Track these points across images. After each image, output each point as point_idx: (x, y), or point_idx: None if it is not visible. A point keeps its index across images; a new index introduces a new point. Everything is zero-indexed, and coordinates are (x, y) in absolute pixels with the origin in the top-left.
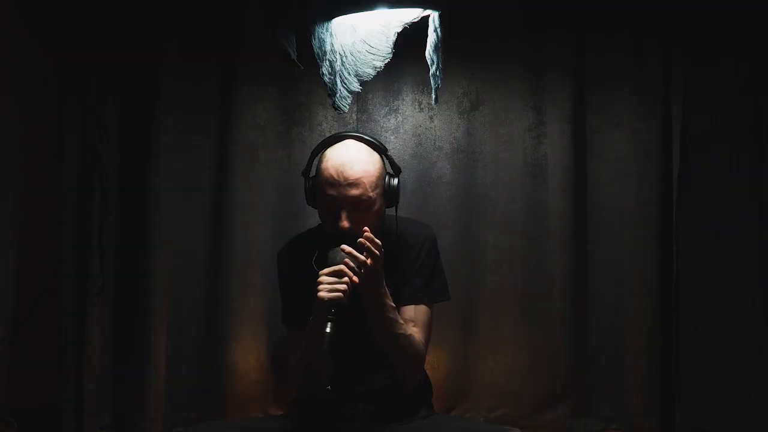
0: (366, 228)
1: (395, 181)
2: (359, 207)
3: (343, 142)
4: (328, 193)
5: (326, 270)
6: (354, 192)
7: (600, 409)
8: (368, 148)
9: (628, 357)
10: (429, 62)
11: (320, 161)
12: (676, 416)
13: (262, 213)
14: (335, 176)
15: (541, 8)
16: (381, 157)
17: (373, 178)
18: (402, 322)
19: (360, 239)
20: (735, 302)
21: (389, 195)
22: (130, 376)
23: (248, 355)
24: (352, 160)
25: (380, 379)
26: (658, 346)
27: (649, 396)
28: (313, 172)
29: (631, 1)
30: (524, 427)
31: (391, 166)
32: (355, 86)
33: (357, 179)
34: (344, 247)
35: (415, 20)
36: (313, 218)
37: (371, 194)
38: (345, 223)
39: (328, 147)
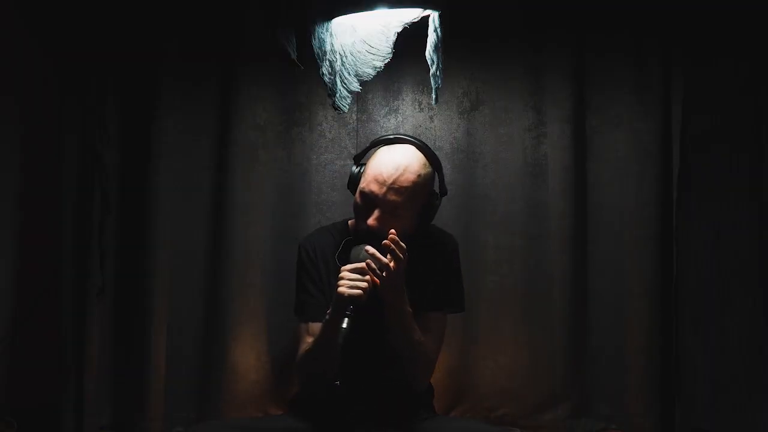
0: (392, 231)
1: (437, 202)
2: (394, 213)
3: (404, 145)
4: (371, 188)
5: (349, 266)
6: (396, 198)
7: (600, 409)
8: (426, 161)
9: (628, 357)
10: (429, 62)
11: (375, 154)
12: (676, 416)
13: (262, 213)
14: (384, 175)
15: (541, 8)
16: (434, 173)
17: (419, 192)
18: (417, 328)
19: (385, 241)
20: (735, 302)
21: (426, 212)
22: (130, 376)
23: (248, 355)
24: (406, 167)
25: (384, 380)
26: (658, 346)
27: (649, 396)
28: (364, 161)
29: (631, 1)
30: (524, 427)
31: (440, 185)
32: (355, 86)
33: (404, 187)
34: (368, 248)
35: (415, 20)
36: (313, 218)
37: (411, 205)
38: (374, 222)
39: (389, 144)
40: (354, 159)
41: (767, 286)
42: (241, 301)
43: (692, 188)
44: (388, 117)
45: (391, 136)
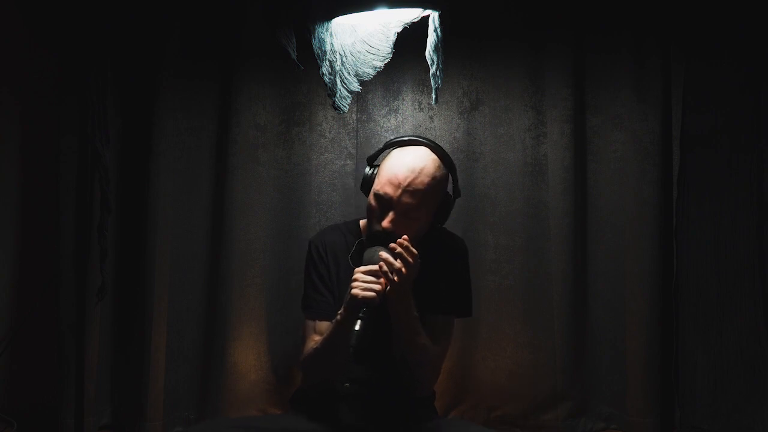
0: (405, 237)
1: (451, 204)
2: (409, 215)
3: (418, 147)
4: (385, 191)
5: (363, 268)
6: (410, 200)
7: (600, 409)
8: (440, 163)
9: (628, 357)
10: (429, 62)
11: (389, 156)
12: (676, 416)
13: (262, 213)
14: (399, 178)
15: (541, 8)
16: (448, 175)
17: (434, 194)
18: (423, 333)
19: (392, 244)
20: (735, 302)
21: (440, 214)
22: (130, 376)
23: (248, 354)
24: (421, 169)
25: (389, 382)
26: (658, 346)
27: (649, 396)
28: (378, 162)
29: (631, 0)
30: (524, 427)
31: (454, 187)
32: (355, 86)
33: (419, 190)
34: (382, 253)
35: (415, 20)
36: (313, 218)
37: (425, 208)
38: (388, 224)
39: (403, 146)
40: (367, 160)
41: (767, 286)
42: (241, 301)
43: (692, 188)
44: (388, 117)
45: (406, 138)
